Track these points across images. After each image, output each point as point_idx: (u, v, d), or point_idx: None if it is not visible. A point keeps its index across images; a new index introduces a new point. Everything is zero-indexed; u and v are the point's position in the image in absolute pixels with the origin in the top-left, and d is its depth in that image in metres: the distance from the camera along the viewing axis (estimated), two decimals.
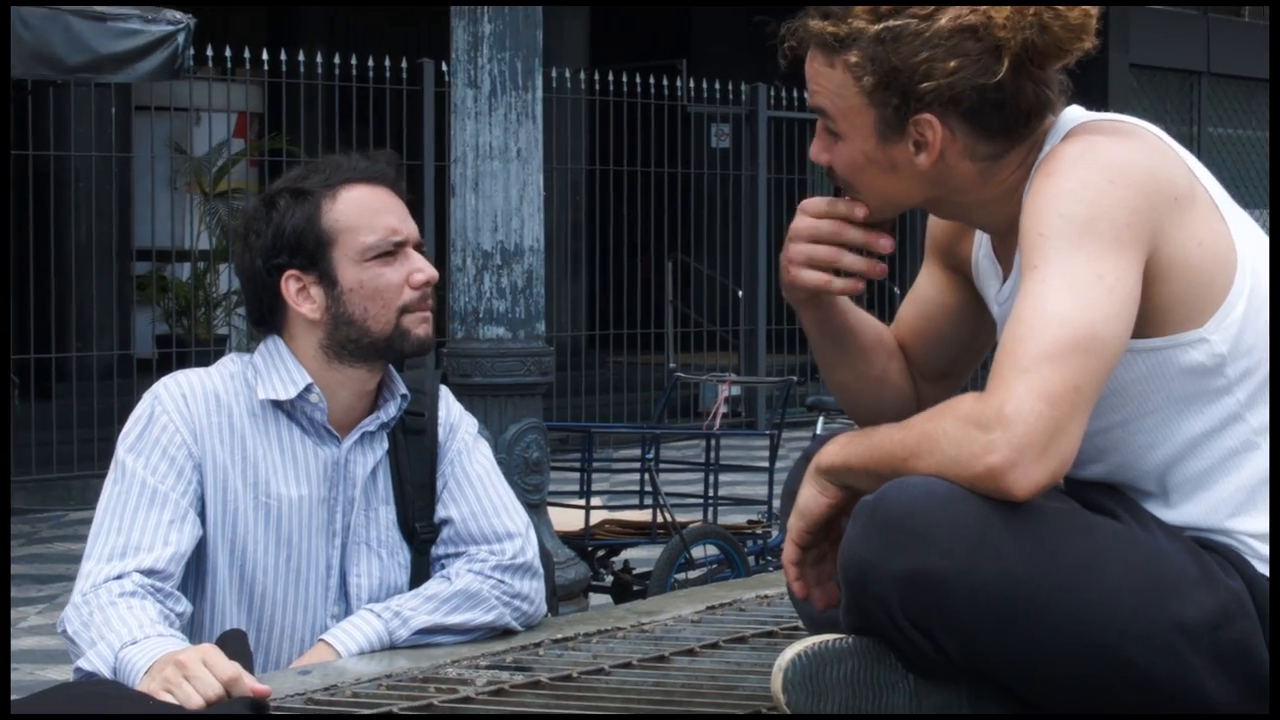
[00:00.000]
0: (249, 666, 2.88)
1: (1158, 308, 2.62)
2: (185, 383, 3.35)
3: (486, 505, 3.50)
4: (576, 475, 8.78)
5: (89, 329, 13.48)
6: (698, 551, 8.23)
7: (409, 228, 3.37)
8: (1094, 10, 2.68)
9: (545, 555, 3.76)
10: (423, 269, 3.35)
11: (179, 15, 10.37)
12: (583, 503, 8.27)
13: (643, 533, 8.32)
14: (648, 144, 15.82)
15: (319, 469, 3.36)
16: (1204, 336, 2.64)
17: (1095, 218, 2.55)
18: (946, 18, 2.65)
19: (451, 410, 3.55)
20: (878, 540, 2.52)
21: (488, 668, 3.09)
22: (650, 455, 8.53)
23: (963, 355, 3.10)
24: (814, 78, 2.77)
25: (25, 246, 12.97)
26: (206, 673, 2.79)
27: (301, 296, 3.34)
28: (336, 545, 3.38)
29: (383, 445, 3.43)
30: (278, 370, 3.36)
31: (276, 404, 3.35)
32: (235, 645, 2.99)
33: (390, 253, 3.33)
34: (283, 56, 13.33)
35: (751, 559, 8.52)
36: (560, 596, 7.60)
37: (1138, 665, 2.52)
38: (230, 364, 3.40)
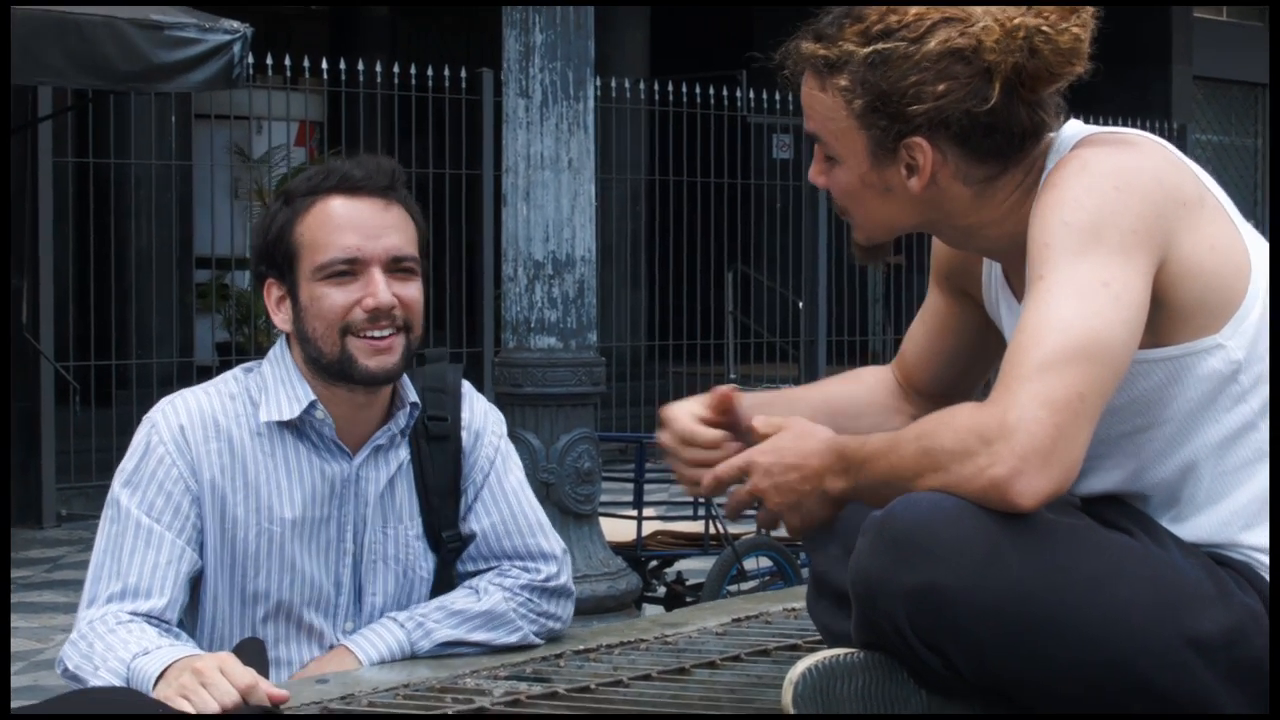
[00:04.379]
0: (265, 674, 2.87)
1: (1173, 315, 2.59)
2: (183, 409, 3.26)
3: (521, 522, 3.43)
4: (630, 486, 8.76)
5: (149, 336, 13.54)
6: (750, 563, 8.19)
7: (376, 246, 3.18)
8: (1084, 35, 2.66)
9: None
10: (374, 292, 3.17)
11: (236, 24, 10.38)
12: (635, 513, 8.25)
13: (695, 544, 8.28)
14: (708, 154, 15.81)
15: (326, 488, 3.27)
16: (1220, 343, 2.61)
17: (1100, 224, 2.53)
18: (935, 41, 2.64)
19: (475, 410, 3.44)
20: (886, 556, 2.49)
21: (506, 678, 3.08)
22: None
23: (965, 376, 3.09)
24: (807, 101, 2.77)
25: (86, 254, 13.04)
26: (223, 680, 2.78)
27: (278, 306, 3.27)
28: (347, 564, 3.30)
29: (399, 456, 3.34)
30: (284, 386, 3.26)
31: (283, 423, 3.26)
32: (252, 653, 2.98)
33: (343, 272, 3.18)
34: (342, 65, 13.38)
35: (805, 571, 8.48)
36: (611, 607, 7.62)
37: (1151, 682, 2.49)
38: (231, 383, 3.30)
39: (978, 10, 2.66)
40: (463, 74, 13.95)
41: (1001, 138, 2.67)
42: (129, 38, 10.04)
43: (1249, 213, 15.88)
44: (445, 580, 3.40)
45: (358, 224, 3.19)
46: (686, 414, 2.89)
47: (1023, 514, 2.45)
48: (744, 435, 2.81)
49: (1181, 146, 18.30)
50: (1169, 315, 2.59)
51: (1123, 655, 2.47)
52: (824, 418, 2.87)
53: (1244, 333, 2.61)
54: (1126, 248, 2.53)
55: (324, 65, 13.28)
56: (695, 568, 8.61)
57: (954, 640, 2.48)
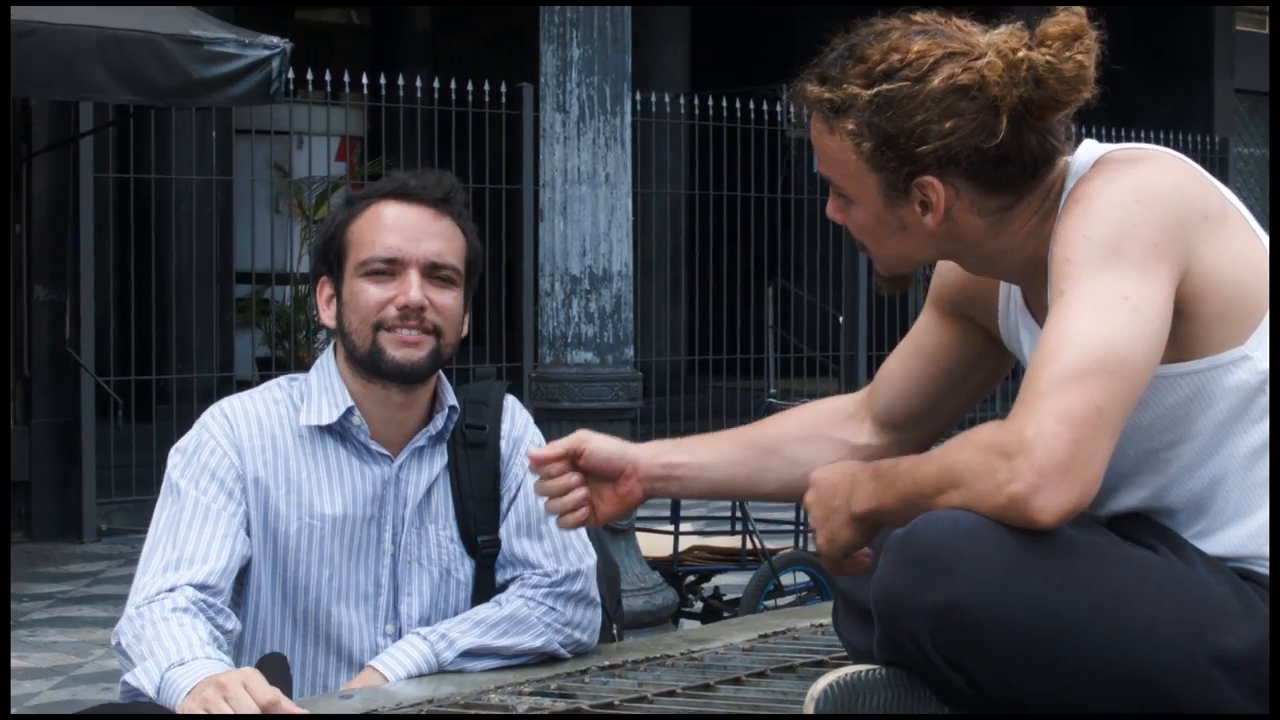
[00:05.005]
0: (288, 690, 2.90)
1: (1197, 327, 2.58)
2: (229, 408, 3.40)
3: (545, 530, 3.47)
4: (667, 500, 8.75)
5: (190, 351, 13.58)
6: (787, 578, 8.18)
7: (417, 249, 3.32)
8: (1088, 62, 2.64)
9: (612, 580, 3.74)
10: (406, 291, 3.30)
11: (275, 40, 10.40)
12: (671, 528, 8.24)
13: (732, 559, 8.27)
14: (748, 169, 15.80)
15: (366, 489, 3.37)
16: (1247, 354, 2.59)
17: (1121, 238, 2.52)
18: (939, 78, 2.63)
19: (516, 423, 3.52)
20: (908, 574, 2.48)
21: (531, 694, 3.08)
22: None
23: (936, 409, 3.08)
24: (817, 144, 2.77)
25: (127, 269, 13.09)
26: (245, 695, 2.82)
27: (327, 304, 3.40)
28: (386, 564, 3.39)
29: (439, 460, 3.42)
30: (327, 392, 3.38)
31: (323, 427, 3.37)
32: (275, 669, 3.01)
33: (382, 270, 3.32)
34: (382, 80, 13.41)
35: None
36: (647, 622, 7.61)
37: (1176, 698, 2.47)
38: (276, 390, 3.44)
39: (981, 42, 2.65)
40: (502, 89, 13.97)
41: (1013, 168, 2.66)
42: (169, 53, 10.08)
43: None
44: (485, 584, 3.45)
45: (403, 227, 3.33)
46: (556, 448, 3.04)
47: (1043, 530, 2.44)
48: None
49: (1223, 160, 18.28)
50: (1193, 328, 2.58)
51: (1147, 672, 2.46)
52: (747, 454, 3.03)
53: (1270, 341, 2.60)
54: (1148, 261, 2.52)
55: (364, 80, 13.31)
56: (732, 583, 8.61)
57: (976, 658, 2.47)
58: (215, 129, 13.43)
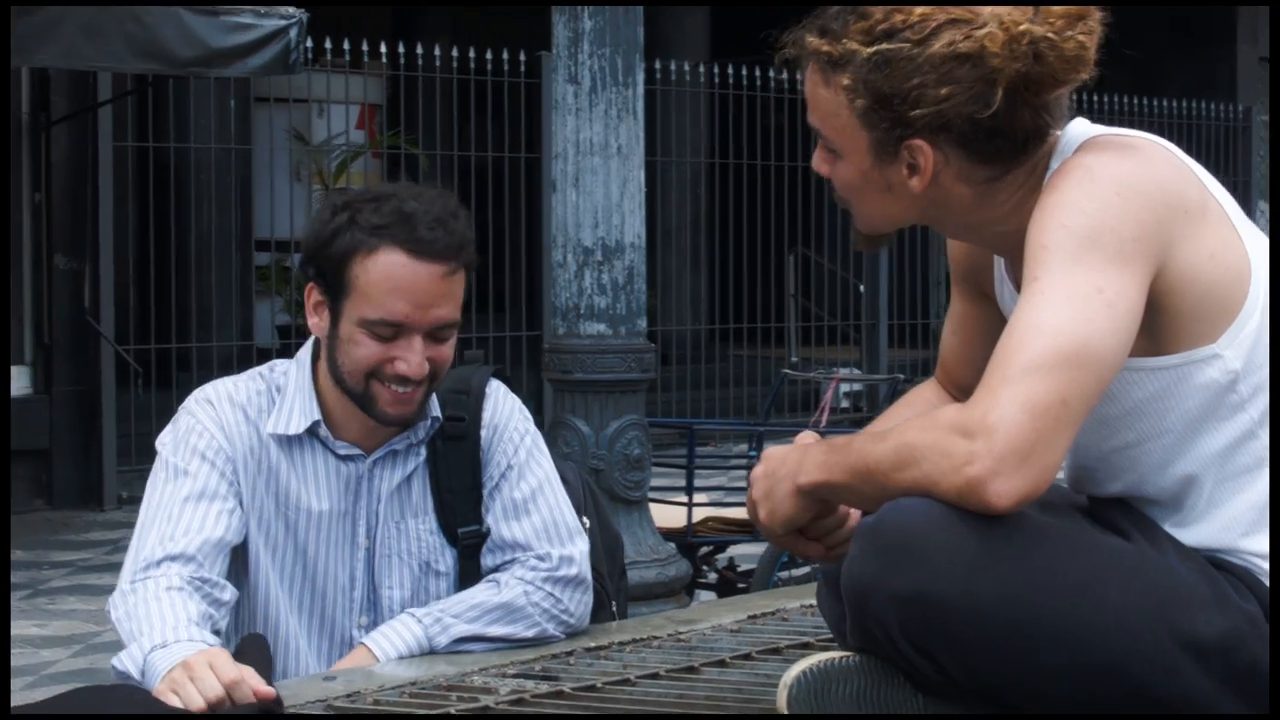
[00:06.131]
0: (268, 671, 2.91)
1: (1170, 323, 2.57)
2: (212, 393, 3.42)
3: (538, 518, 3.46)
4: (681, 470, 8.74)
5: (210, 319, 13.62)
6: None
7: (425, 316, 3.26)
8: (1090, 42, 2.62)
9: (613, 552, 3.74)
10: (408, 360, 3.25)
11: (292, 10, 10.42)
12: (685, 499, 8.23)
13: (746, 530, 8.24)
14: (768, 136, 15.76)
15: (340, 484, 3.38)
16: (1217, 353, 2.58)
17: (1099, 230, 2.51)
18: (940, 43, 2.61)
19: (499, 410, 3.49)
20: (876, 561, 2.48)
21: (515, 676, 3.09)
22: (755, 452, 8.47)
23: None
24: (810, 96, 2.75)
25: (146, 238, 13.12)
26: (210, 675, 2.84)
27: (315, 310, 3.36)
28: (361, 558, 3.39)
29: (415, 458, 3.42)
30: (300, 396, 3.38)
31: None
32: (255, 650, 3.03)
33: (383, 334, 3.26)
34: (401, 49, 13.40)
35: None
36: (660, 594, 7.62)
37: (1144, 685, 2.47)
38: (258, 380, 3.43)
39: (985, 12, 2.63)
40: (521, 57, 13.96)
41: (1004, 141, 2.65)
42: (186, 23, 10.12)
43: None
44: (469, 574, 3.45)
45: (413, 292, 3.24)
46: None
47: (1008, 517, 2.44)
48: None
49: (1247, 128, 18.14)
50: (1165, 324, 2.57)
51: (1115, 659, 2.46)
52: None
53: (1242, 342, 2.59)
54: (1124, 255, 2.51)
55: (382, 49, 13.30)
56: (747, 553, 8.60)
57: (944, 645, 2.47)
58: (234, 97, 13.44)
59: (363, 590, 3.40)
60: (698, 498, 8.24)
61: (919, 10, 2.65)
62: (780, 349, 16.46)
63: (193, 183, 13.50)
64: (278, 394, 3.40)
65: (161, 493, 3.32)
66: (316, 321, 3.36)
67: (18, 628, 8.53)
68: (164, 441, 3.39)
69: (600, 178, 7.54)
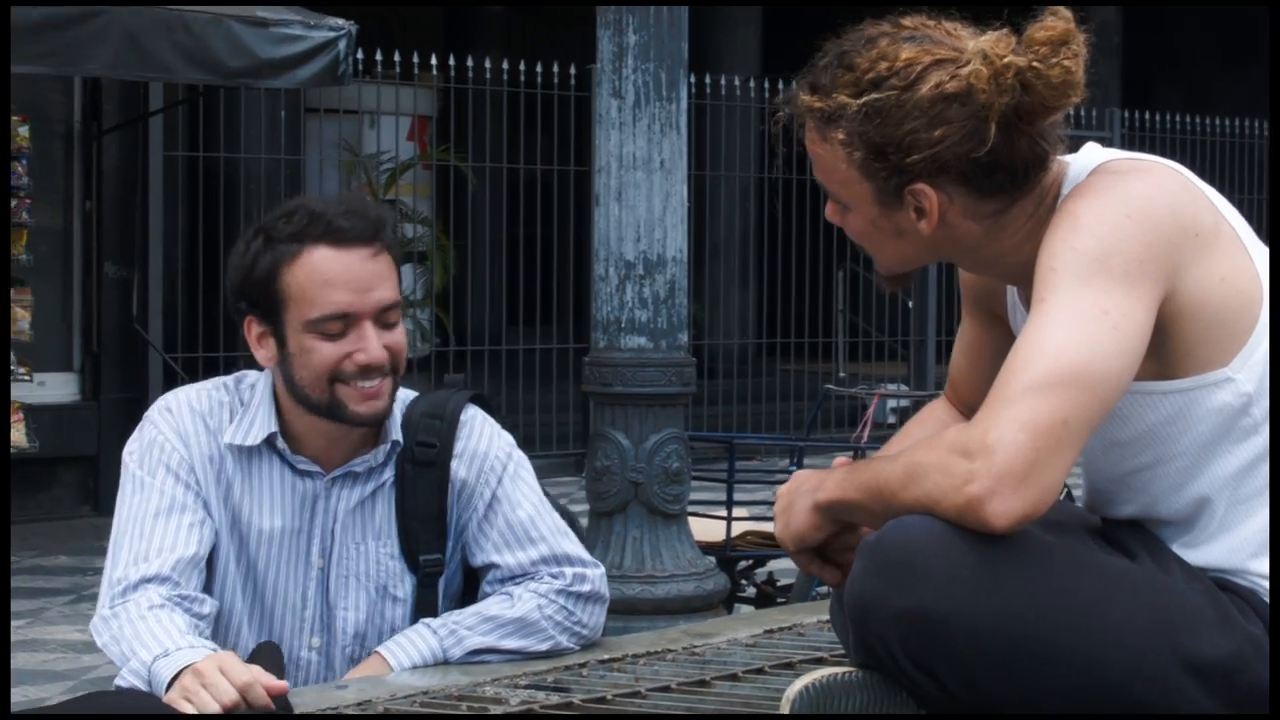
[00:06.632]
0: (281, 677, 2.92)
1: (1181, 347, 2.57)
2: (172, 402, 3.38)
3: (545, 546, 3.43)
4: (721, 485, 8.73)
5: None
6: None
7: (367, 301, 3.25)
8: (1076, 66, 2.63)
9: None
10: (366, 349, 3.24)
11: (341, 22, 10.48)
12: (725, 513, 8.23)
13: None
14: None
15: (295, 500, 3.35)
16: (1230, 376, 2.58)
17: (1108, 253, 2.51)
18: (927, 86, 2.63)
19: (478, 439, 3.45)
20: (878, 578, 2.50)
21: (526, 687, 3.09)
22: (795, 467, 8.46)
23: None
24: (810, 152, 2.79)
25: (195, 247, 13.18)
26: (222, 679, 2.85)
27: (260, 342, 3.32)
28: (313, 577, 3.36)
29: (376, 480, 3.39)
30: (260, 410, 3.35)
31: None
32: (268, 655, 3.04)
33: (333, 330, 3.24)
34: (451, 61, 13.44)
35: None
36: (698, 608, 7.62)
37: (1147, 706, 2.47)
38: (222, 391, 3.40)
39: (969, 48, 2.65)
40: (572, 70, 13.99)
41: (1005, 174, 2.66)
42: (236, 34, 10.18)
43: None
44: (426, 603, 3.42)
45: (347, 279, 3.23)
46: None
47: (1009, 536, 2.45)
48: None
49: None
50: (1176, 347, 2.57)
51: (1117, 679, 2.46)
52: None
53: (1254, 365, 2.59)
54: (1132, 277, 2.51)
55: (433, 61, 13.35)
56: (787, 568, 8.59)
57: (945, 663, 2.48)
58: (285, 108, 13.50)
59: (315, 610, 3.37)
60: (738, 512, 8.24)
61: (903, 56, 2.67)
62: (827, 364, 16.45)
63: (242, 193, 13.56)
64: (242, 407, 3.37)
65: (130, 505, 3.30)
66: (263, 353, 3.32)
67: (61, 633, 8.58)
68: (130, 450, 3.36)
69: (643, 192, 7.56)
